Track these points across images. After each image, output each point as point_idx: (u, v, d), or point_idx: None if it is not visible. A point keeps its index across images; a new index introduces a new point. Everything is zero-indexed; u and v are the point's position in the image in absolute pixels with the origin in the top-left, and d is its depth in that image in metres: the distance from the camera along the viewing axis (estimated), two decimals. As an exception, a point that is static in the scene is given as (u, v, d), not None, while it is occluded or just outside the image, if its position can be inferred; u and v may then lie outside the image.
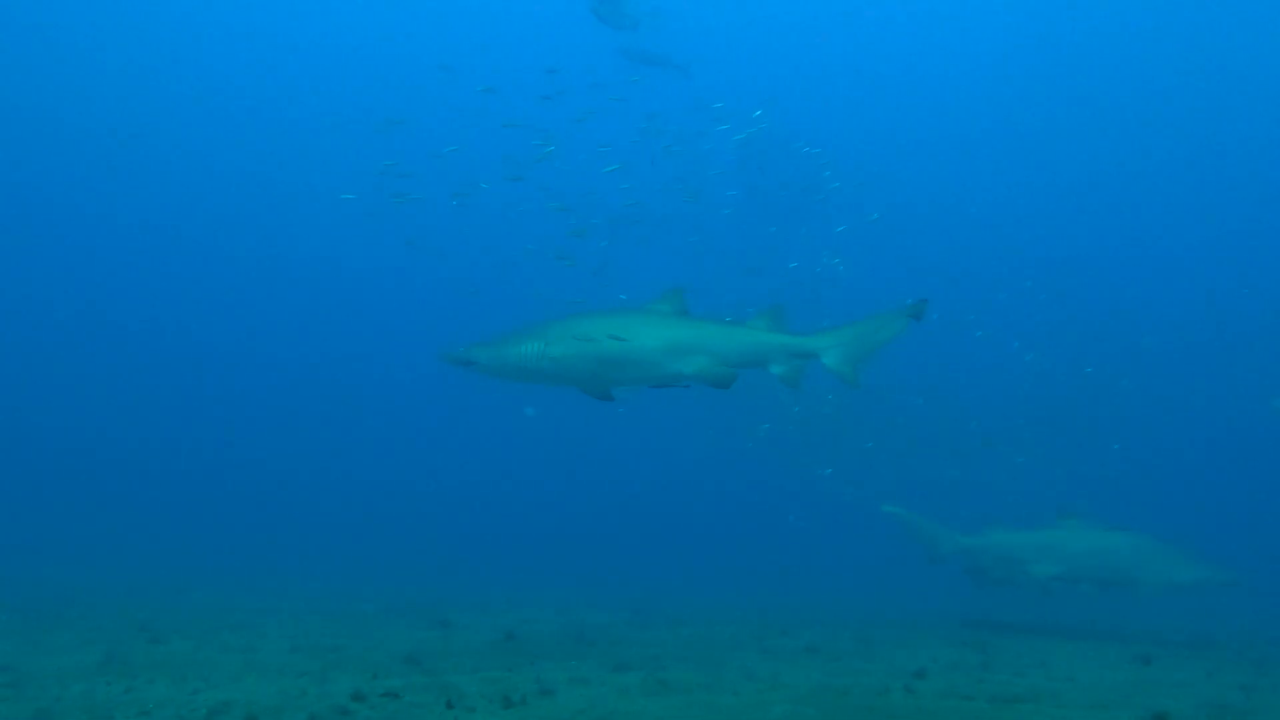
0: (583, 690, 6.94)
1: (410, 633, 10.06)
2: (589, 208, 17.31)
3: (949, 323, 23.49)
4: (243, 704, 5.97)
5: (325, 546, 21.76)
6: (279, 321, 41.63)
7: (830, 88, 37.61)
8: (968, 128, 39.37)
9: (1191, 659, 10.03)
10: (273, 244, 42.51)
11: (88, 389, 37.56)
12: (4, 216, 39.96)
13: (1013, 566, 12.04)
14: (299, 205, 40.38)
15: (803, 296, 20.18)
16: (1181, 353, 28.53)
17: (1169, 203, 38.97)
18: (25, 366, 38.23)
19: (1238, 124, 37.47)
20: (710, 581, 18.86)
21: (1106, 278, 32.44)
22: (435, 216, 21.97)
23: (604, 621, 11.87)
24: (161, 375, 39.03)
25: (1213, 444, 28.17)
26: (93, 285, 41.16)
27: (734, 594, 16.62)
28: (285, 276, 42.60)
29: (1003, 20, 37.14)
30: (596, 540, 24.46)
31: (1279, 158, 37.15)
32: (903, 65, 38.94)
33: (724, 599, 15.64)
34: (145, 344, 40.19)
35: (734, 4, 38.11)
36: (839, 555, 21.69)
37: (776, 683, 7.58)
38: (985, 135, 39.35)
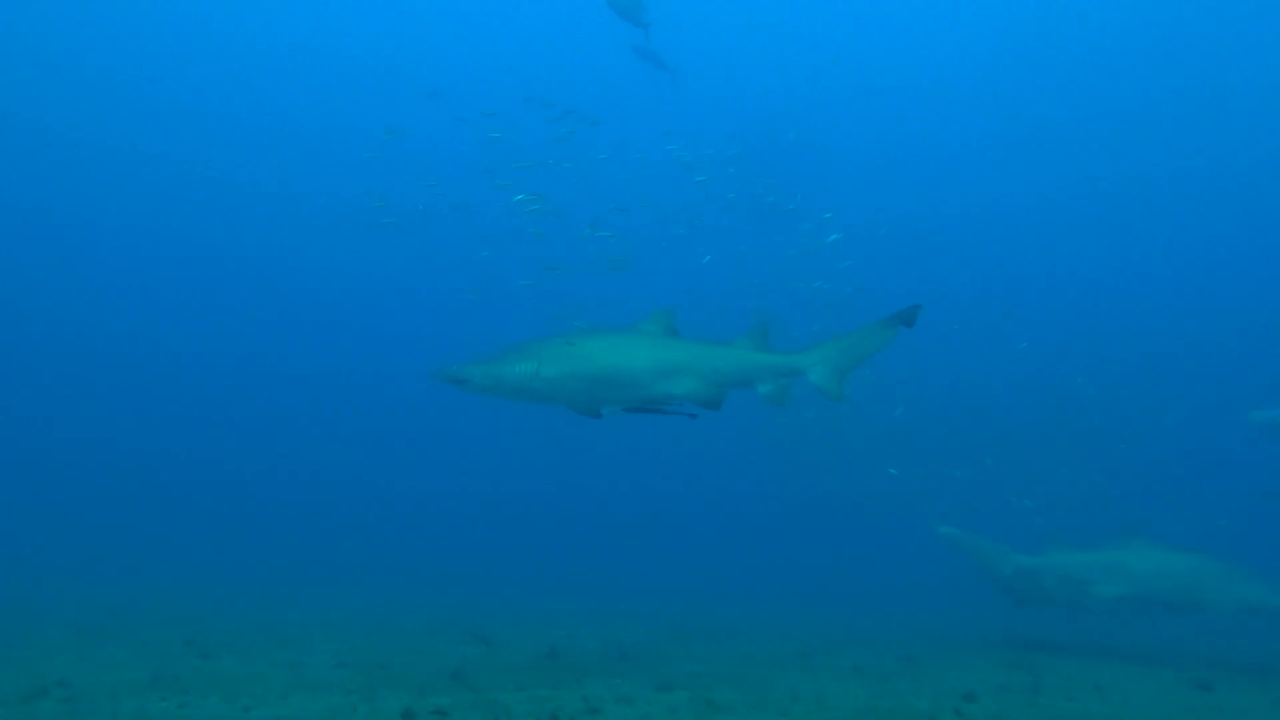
0: (629, 710, 6.91)
1: (453, 649, 10.06)
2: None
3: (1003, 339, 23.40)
4: (294, 722, 6.00)
5: (362, 560, 21.84)
6: (317, 332, 42.01)
7: (818, 92, 37.74)
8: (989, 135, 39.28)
9: (1253, 686, 9.73)
10: (305, 255, 42.88)
11: (122, 404, 38.05)
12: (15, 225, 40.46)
13: (1076, 587, 11.74)
14: (319, 216, 40.54)
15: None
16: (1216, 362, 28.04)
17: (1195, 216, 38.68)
18: (60, 383, 38.79)
19: (1236, 124, 37.12)
20: (749, 597, 18.71)
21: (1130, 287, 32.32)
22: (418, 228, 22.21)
23: (644, 638, 11.81)
24: (195, 389, 39.47)
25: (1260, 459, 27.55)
26: (123, 298, 41.64)
27: (774, 610, 16.46)
28: (316, 288, 42.96)
29: (993, 25, 37.14)
30: (632, 554, 24.40)
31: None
32: (895, 69, 38.97)
33: (764, 615, 15.50)
34: (182, 357, 40.71)
35: (721, 11, 38.22)
36: (881, 571, 21.48)
37: (823, 704, 7.51)
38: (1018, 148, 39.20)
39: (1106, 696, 8.52)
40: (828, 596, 19.12)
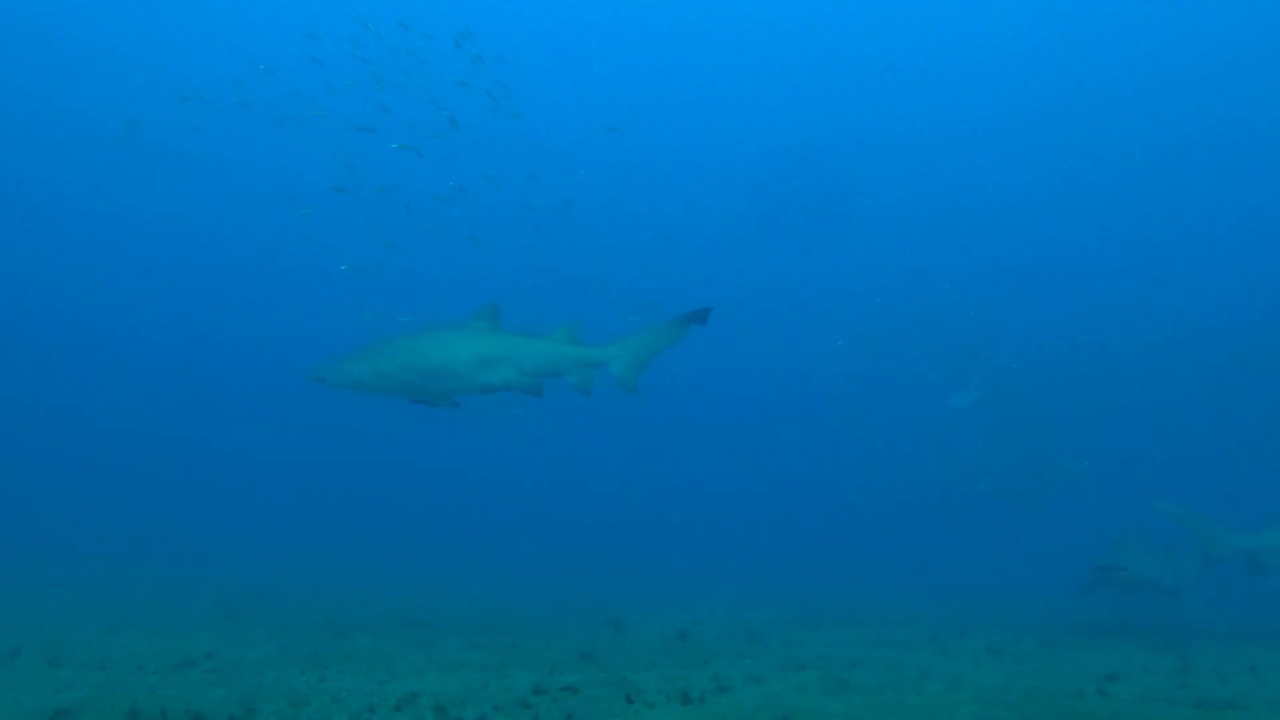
0: (760, 688, 6.84)
1: (582, 632, 10.13)
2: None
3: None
4: (429, 695, 6.13)
5: (492, 548, 22.28)
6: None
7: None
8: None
9: None
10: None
11: (262, 404, 39.35)
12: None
13: None
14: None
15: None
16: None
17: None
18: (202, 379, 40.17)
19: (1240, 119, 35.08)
20: (877, 581, 18.41)
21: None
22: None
23: (772, 621, 11.73)
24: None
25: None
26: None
27: (903, 594, 16.15)
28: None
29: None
30: (761, 540, 24.29)
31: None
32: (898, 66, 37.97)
33: (893, 599, 15.22)
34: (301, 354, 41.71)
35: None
36: (1014, 556, 20.88)
37: (960, 683, 7.30)
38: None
39: (1263, 678, 8.06)
40: (958, 581, 18.67)
